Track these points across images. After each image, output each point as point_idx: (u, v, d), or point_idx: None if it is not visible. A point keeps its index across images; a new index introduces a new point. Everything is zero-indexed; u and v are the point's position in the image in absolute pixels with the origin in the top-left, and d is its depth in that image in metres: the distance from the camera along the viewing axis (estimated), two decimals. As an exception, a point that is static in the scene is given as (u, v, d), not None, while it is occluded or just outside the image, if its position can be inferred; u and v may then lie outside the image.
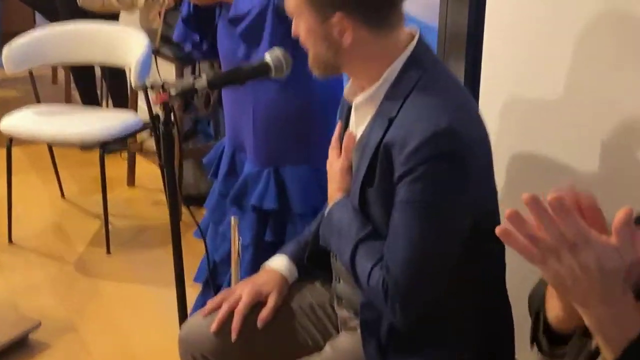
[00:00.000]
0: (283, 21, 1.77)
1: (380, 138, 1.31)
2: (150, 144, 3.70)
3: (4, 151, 3.01)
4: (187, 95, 1.54)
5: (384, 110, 1.34)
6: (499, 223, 1.37)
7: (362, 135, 1.39)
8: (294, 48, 1.57)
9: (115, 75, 3.88)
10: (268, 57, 1.53)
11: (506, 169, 1.85)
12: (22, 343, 2.35)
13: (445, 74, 1.41)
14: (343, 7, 1.31)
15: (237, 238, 1.54)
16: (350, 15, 1.31)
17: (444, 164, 1.26)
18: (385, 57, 1.35)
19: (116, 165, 3.66)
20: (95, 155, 3.04)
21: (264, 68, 1.54)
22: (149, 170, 3.71)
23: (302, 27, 1.38)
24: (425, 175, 1.25)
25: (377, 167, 1.31)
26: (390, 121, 1.31)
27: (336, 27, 1.32)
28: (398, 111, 1.31)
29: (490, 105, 1.90)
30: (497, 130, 1.83)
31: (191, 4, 2.03)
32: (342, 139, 1.47)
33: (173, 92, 1.46)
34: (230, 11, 1.95)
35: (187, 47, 2.19)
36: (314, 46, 1.39)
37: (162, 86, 1.48)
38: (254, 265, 1.88)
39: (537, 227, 0.76)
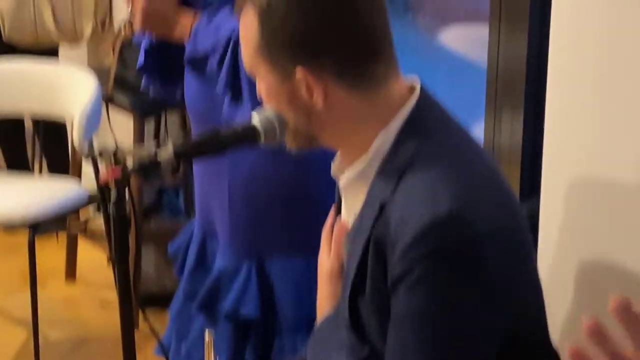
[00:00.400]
0: None
1: (369, 229, 1.35)
2: (98, 222, 3.83)
3: None
4: (148, 171, 1.57)
5: (375, 192, 1.38)
6: (545, 337, 1.42)
7: (353, 225, 1.44)
8: None
9: (52, 131, 4.04)
10: (256, 119, 1.56)
11: (574, 270, 1.89)
12: None
13: (456, 138, 1.44)
14: (304, 60, 1.38)
15: (211, 360, 1.63)
16: (315, 71, 1.37)
17: (448, 263, 1.28)
18: (375, 122, 1.40)
19: (51, 253, 3.80)
20: (23, 238, 3.18)
21: (250, 133, 1.56)
22: (94, 259, 3.85)
23: (262, 87, 1.46)
24: (424, 278, 1.27)
25: (367, 267, 1.35)
26: (382, 207, 1.34)
27: (302, 85, 1.39)
28: (392, 193, 1.34)
29: (556, 180, 1.94)
30: (562, 217, 1.87)
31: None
32: None
33: (129, 165, 1.53)
34: (186, 49, 2.09)
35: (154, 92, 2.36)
36: (269, 100, 1.46)
37: (114, 155, 1.53)
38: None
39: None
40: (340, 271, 1.47)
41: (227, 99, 2.15)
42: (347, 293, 1.39)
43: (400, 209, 1.32)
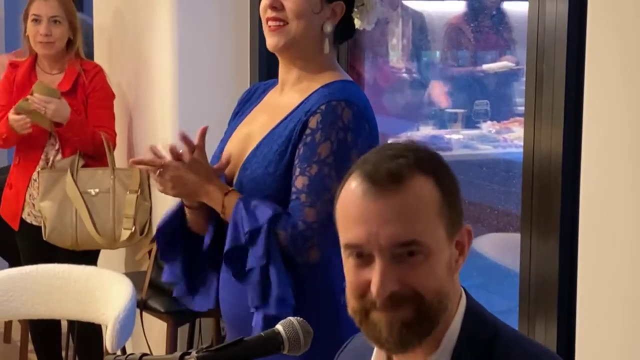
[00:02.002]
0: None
1: None
2: None
3: None
4: None
5: None
6: None
7: None
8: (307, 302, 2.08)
9: (87, 334, 4.02)
10: (280, 328, 1.58)
11: None
12: None
13: (505, 326, 1.47)
14: (463, 219, 1.44)
15: None
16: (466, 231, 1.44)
17: None
18: (452, 307, 1.42)
19: None
20: None
21: (274, 342, 1.57)
22: None
23: (432, 259, 1.41)
24: None
25: None
26: None
27: (454, 246, 1.40)
28: None
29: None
30: None
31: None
32: None
33: None
34: (226, 243, 2.18)
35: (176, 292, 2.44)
36: (436, 278, 1.42)
37: None
38: None
39: None
40: None
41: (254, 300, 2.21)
42: None
43: None
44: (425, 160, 1.42)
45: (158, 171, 2.34)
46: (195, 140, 2.34)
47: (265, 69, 4.01)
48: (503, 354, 1.38)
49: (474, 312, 1.44)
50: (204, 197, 2.33)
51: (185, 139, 2.34)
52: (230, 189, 2.35)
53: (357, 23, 2.48)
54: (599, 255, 2.09)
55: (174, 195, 2.43)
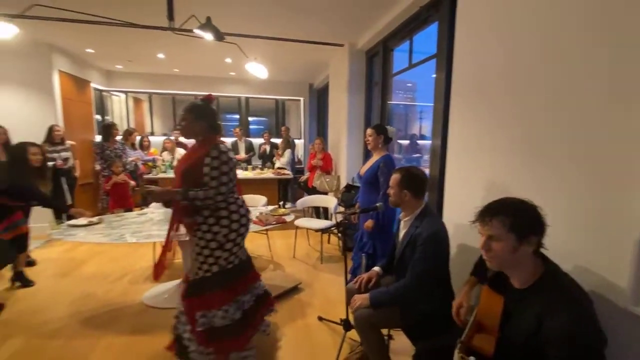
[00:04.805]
0: (376, 188, 5.69)
1: (413, 232, 3.94)
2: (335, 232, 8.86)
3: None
4: (348, 219, 5.64)
5: (415, 222, 3.90)
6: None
7: (406, 232, 4.01)
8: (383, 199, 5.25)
9: (325, 210, 8.94)
10: (378, 204, 4.92)
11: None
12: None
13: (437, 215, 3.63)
14: (409, 188, 3.60)
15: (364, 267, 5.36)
16: (417, 194, 3.71)
17: (434, 240, 3.69)
18: (416, 204, 3.98)
19: (325, 236, 8.86)
20: (319, 234, 8.53)
21: (375, 207, 4.92)
22: (336, 243, 8.77)
23: (392, 191, 3.77)
24: (423, 248, 3.65)
25: (410, 243, 3.83)
26: (417, 226, 3.94)
27: (406, 193, 3.65)
28: (421, 223, 3.94)
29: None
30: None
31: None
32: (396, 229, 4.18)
33: (342, 217, 5.13)
34: (361, 178, 5.60)
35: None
36: (396, 199, 3.83)
37: (340, 214, 5.07)
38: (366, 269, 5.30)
39: None
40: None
41: (365, 195, 5.41)
42: (401, 249, 3.68)
43: (423, 225, 3.83)
44: (404, 171, 4.01)
45: None
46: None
47: (367, 152, 8.08)
48: (427, 217, 3.78)
49: (425, 209, 3.78)
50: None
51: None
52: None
53: (389, 137, 5.83)
54: (450, 199, 4.52)
55: None
